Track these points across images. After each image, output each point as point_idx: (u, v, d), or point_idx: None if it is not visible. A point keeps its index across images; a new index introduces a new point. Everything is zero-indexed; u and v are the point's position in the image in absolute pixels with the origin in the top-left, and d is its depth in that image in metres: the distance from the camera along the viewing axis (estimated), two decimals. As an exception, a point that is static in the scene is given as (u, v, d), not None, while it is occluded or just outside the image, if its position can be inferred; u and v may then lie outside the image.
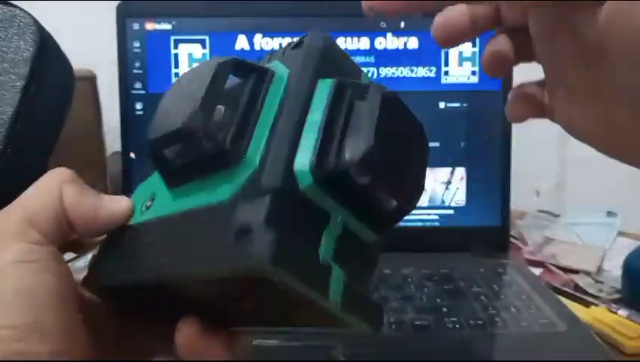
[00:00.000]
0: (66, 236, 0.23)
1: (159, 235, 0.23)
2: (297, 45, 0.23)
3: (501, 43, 0.28)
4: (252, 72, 0.22)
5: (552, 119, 0.28)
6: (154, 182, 0.25)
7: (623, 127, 0.23)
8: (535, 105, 0.28)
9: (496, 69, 0.28)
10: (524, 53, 0.28)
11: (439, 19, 0.28)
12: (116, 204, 0.24)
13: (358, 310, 0.20)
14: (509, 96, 0.30)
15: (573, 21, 0.23)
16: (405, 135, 0.21)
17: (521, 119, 0.29)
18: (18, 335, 0.20)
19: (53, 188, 0.23)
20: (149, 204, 0.24)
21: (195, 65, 0.22)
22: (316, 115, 0.20)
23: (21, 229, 0.22)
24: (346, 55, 0.24)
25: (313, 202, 0.19)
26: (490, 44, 0.28)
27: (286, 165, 0.19)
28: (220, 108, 0.21)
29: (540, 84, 0.28)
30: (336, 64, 0.22)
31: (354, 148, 0.19)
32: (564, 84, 0.25)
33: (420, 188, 0.21)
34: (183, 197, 0.22)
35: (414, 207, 0.21)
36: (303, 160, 0.19)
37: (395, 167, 0.20)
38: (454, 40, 0.28)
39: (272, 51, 0.25)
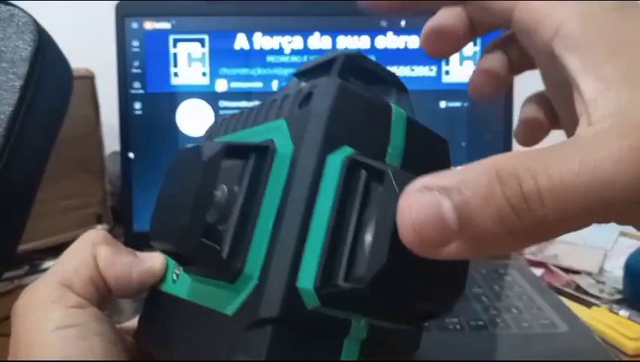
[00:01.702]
0: (103, 296, 0.24)
1: (178, 317, 0.22)
2: (304, 102, 0.19)
3: (494, 61, 0.25)
4: (249, 152, 0.19)
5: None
6: None
7: None
8: (547, 123, 0.26)
9: (487, 90, 0.26)
10: (526, 63, 0.25)
11: (430, 25, 0.24)
12: (150, 263, 0.24)
13: None
14: (519, 120, 0.27)
15: None
16: None
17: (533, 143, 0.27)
18: None
19: (87, 251, 0.23)
20: (177, 272, 0.23)
21: (189, 146, 0.20)
22: (324, 212, 0.17)
23: (59, 294, 0.22)
24: (383, 73, 0.20)
25: (325, 317, 0.17)
26: (481, 62, 0.26)
27: (287, 285, 0.16)
28: (223, 191, 0.19)
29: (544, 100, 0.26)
30: (356, 116, 0.19)
31: (364, 266, 0.16)
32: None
33: (458, 286, 0.18)
34: (201, 285, 0.21)
35: (451, 307, 0.18)
36: (308, 276, 0.16)
37: (421, 269, 0.16)
38: (449, 49, 0.25)
39: (284, 98, 0.21)
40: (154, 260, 0.24)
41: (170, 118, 0.58)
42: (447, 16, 0.24)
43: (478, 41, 0.57)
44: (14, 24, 0.38)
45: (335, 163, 0.17)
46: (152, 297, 0.25)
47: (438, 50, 0.24)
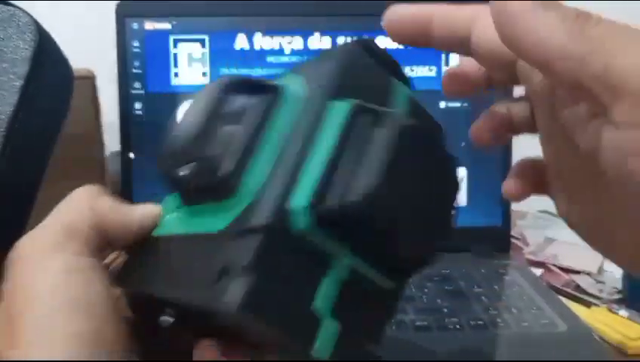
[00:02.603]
0: (103, 246, 0.23)
1: (166, 254, 0.22)
2: (322, 58, 0.22)
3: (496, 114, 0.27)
4: (261, 90, 0.20)
5: (552, 199, 0.26)
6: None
7: (614, 232, 0.22)
8: (536, 182, 0.27)
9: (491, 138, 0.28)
10: (527, 126, 0.27)
11: (451, 68, 0.27)
12: (147, 208, 0.25)
13: None
14: (511, 172, 0.28)
15: (571, 123, 0.21)
16: (428, 170, 0.19)
17: (521, 198, 0.27)
18: (83, 342, 0.19)
19: (85, 200, 0.23)
20: (174, 215, 0.24)
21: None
22: (324, 146, 0.18)
23: (61, 241, 0.22)
24: (389, 61, 0.22)
25: (312, 244, 0.17)
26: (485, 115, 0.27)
27: (280, 202, 0.17)
28: (232, 130, 0.20)
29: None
30: (365, 79, 0.21)
31: (359, 185, 0.17)
32: (563, 176, 0.24)
33: (444, 230, 0.19)
34: (194, 217, 0.21)
35: (435, 253, 0.19)
36: (301, 197, 0.17)
37: (412, 206, 0.18)
38: (464, 94, 0.28)
39: (301, 64, 0.23)
40: (151, 206, 0.25)
41: (170, 118, 0.58)
42: (468, 64, 0.26)
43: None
44: (15, 24, 0.39)
45: (342, 106, 0.19)
46: (138, 246, 0.25)
47: (454, 90, 0.27)
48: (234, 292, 0.16)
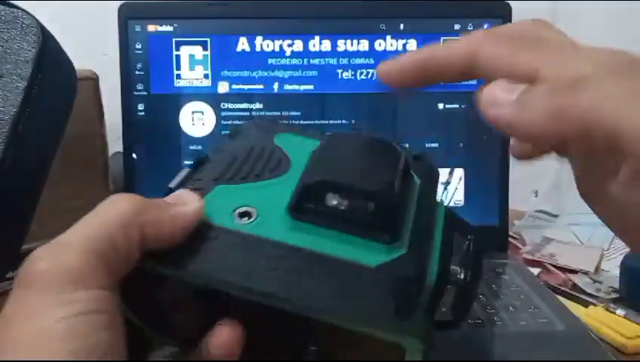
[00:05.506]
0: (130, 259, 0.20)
1: (273, 257, 0.22)
2: (418, 158, 0.30)
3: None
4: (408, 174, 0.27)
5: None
6: (246, 194, 0.25)
7: None
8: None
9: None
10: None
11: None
12: (188, 204, 0.22)
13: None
14: None
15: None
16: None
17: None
18: None
19: (129, 215, 0.20)
20: (252, 213, 0.24)
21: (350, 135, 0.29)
22: (438, 234, 0.26)
23: (87, 272, 0.18)
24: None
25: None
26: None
27: (445, 265, 0.24)
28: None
29: None
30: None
31: (462, 264, 0.25)
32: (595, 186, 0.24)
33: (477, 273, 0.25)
34: (312, 236, 0.23)
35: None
36: (434, 266, 0.24)
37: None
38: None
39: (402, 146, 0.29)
40: (193, 201, 0.22)
41: (172, 119, 0.59)
42: None
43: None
44: (18, 26, 0.39)
45: (442, 208, 0.28)
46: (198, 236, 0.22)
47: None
48: (418, 328, 0.20)
